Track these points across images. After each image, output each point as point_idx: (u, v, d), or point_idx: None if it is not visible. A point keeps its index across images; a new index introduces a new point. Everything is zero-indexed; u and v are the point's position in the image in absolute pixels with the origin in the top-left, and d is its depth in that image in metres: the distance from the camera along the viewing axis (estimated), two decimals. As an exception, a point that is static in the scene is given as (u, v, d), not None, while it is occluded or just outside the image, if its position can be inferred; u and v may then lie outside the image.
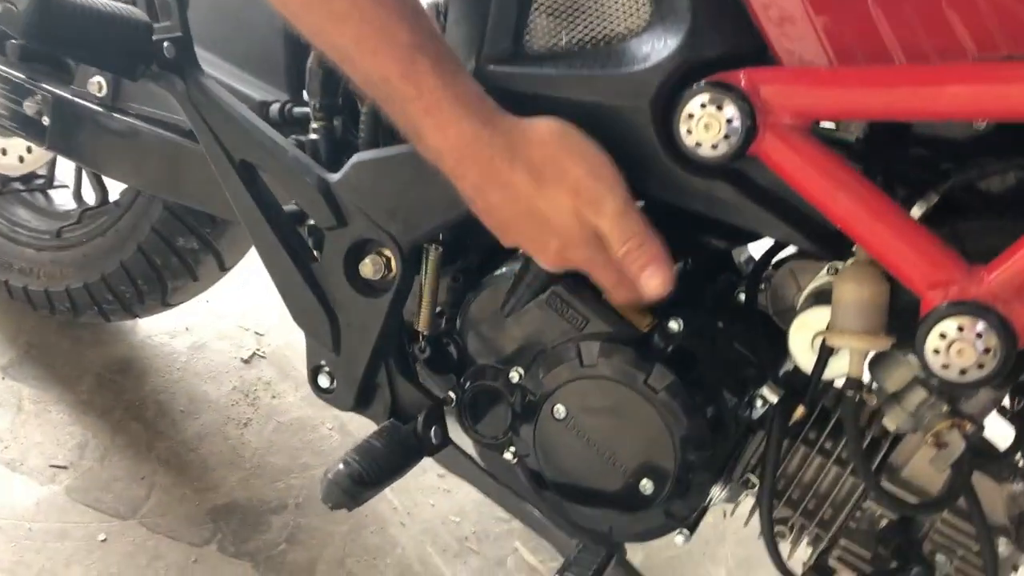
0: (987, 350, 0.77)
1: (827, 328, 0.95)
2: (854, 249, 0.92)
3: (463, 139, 0.84)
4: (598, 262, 0.89)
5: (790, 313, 1.07)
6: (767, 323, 1.14)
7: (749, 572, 1.74)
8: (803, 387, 1.06)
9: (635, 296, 0.91)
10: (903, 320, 0.92)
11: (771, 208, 0.89)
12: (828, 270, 1.04)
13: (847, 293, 0.91)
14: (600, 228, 0.86)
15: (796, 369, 1.18)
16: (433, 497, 1.69)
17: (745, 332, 1.12)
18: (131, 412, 1.64)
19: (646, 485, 1.01)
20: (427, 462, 1.76)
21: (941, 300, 0.79)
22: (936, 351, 0.79)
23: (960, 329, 0.78)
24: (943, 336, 0.78)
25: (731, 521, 1.84)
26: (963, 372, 0.79)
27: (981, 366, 0.78)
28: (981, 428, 1.04)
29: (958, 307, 0.78)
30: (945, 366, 0.79)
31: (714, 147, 0.85)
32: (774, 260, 1.15)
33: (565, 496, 1.06)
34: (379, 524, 1.60)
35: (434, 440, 1.05)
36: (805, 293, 1.08)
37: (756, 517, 1.12)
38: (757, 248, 1.19)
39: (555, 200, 0.85)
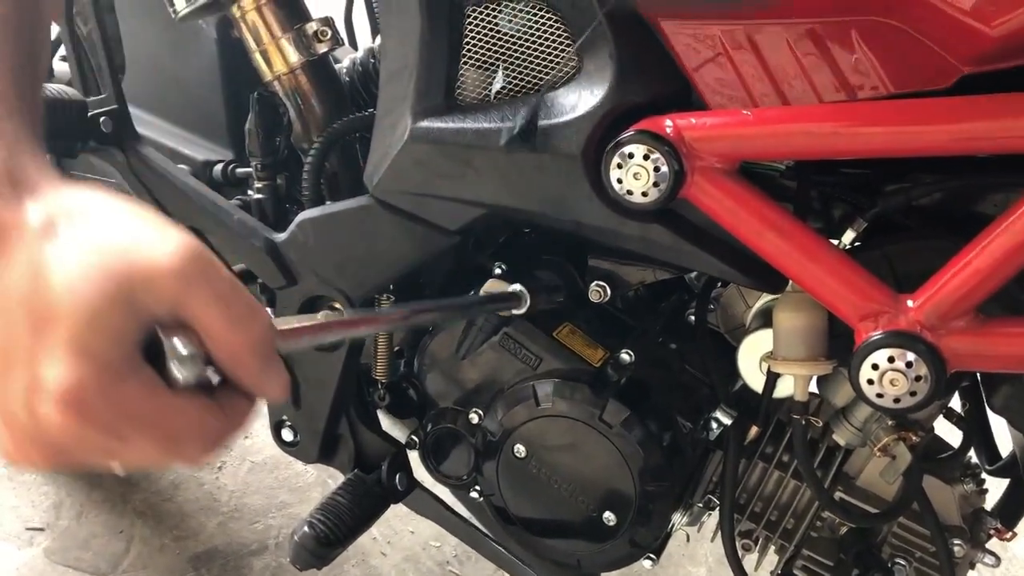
0: (919, 378, 0.79)
1: (771, 356, 0.97)
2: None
3: None
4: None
5: (740, 331, 1.09)
6: (718, 341, 1.16)
7: (727, 570, 1.77)
8: (756, 405, 1.09)
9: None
10: (844, 341, 0.95)
11: (707, 247, 0.91)
12: (773, 289, 1.06)
13: (785, 321, 0.94)
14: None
15: (746, 390, 1.21)
16: (412, 524, 1.70)
17: (697, 353, 1.15)
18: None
19: (609, 517, 1.03)
20: (404, 489, 1.79)
21: (872, 331, 0.82)
22: (870, 381, 0.82)
23: (891, 360, 0.80)
24: (875, 367, 0.81)
25: (709, 520, 1.89)
26: (896, 400, 0.81)
27: (914, 393, 0.80)
28: (929, 433, 1.08)
29: (888, 338, 0.80)
30: (880, 395, 0.82)
31: (644, 194, 0.86)
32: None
33: (532, 531, 1.08)
34: (360, 556, 1.62)
35: (399, 487, 1.07)
36: (752, 312, 1.11)
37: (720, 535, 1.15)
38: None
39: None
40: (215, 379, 0.50)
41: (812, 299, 0.92)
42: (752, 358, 1.06)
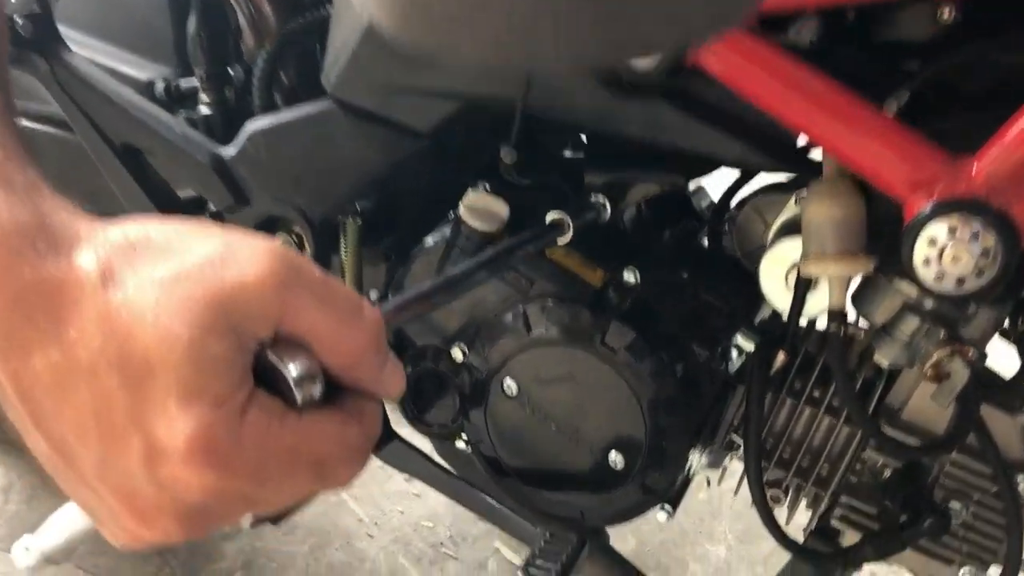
0: (985, 252, 0.66)
1: (801, 258, 0.83)
2: (822, 165, 0.80)
3: None
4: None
5: (759, 253, 0.95)
6: (735, 268, 1.02)
7: (751, 546, 1.63)
8: (782, 334, 0.94)
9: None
10: (885, 238, 0.81)
11: (721, 126, 0.78)
12: (796, 200, 0.92)
13: (818, 213, 0.80)
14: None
15: (773, 316, 1.07)
16: (402, 503, 1.56)
17: (711, 280, 1.00)
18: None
19: (616, 459, 0.89)
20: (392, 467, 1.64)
21: (926, 202, 0.68)
22: (927, 261, 0.68)
23: (952, 231, 0.66)
24: (933, 242, 0.67)
25: (726, 495, 1.74)
26: (960, 282, 0.67)
27: (980, 272, 0.66)
28: (984, 356, 0.93)
29: (947, 206, 0.66)
30: (939, 277, 0.68)
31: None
32: (736, 199, 1.04)
33: (528, 482, 0.94)
34: (344, 539, 1.48)
35: (374, 436, 0.93)
36: (774, 228, 0.97)
37: (746, 484, 1.01)
38: (719, 193, 1.08)
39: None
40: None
41: (848, 186, 0.79)
42: (777, 273, 0.91)
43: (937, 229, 0.66)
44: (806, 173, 0.79)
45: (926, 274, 0.68)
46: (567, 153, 0.99)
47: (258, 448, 0.40)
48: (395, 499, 1.56)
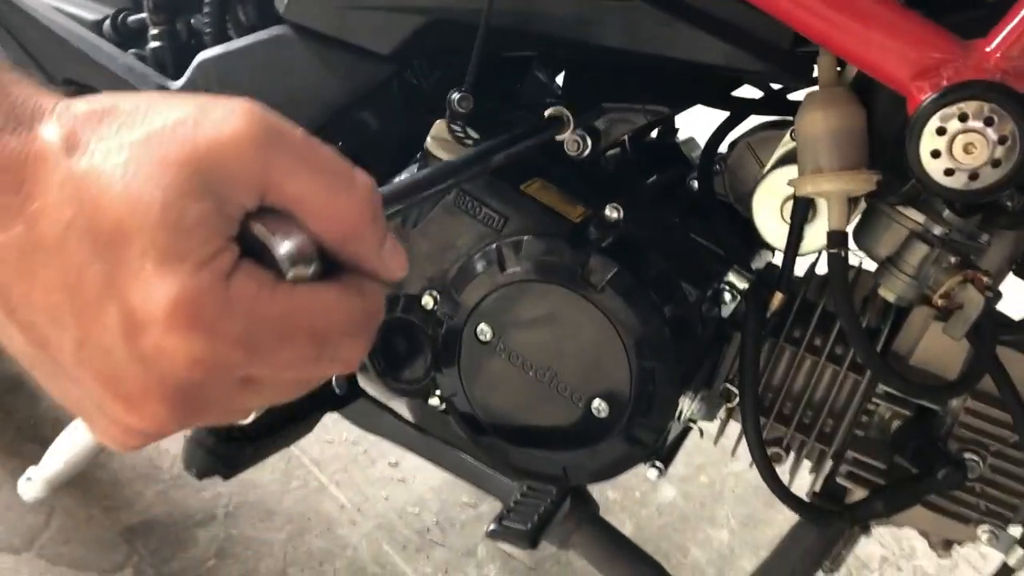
0: (1003, 139, 0.58)
1: (796, 178, 0.76)
2: (816, 72, 0.73)
3: None
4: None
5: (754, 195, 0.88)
6: (728, 212, 0.95)
7: (754, 530, 1.55)
8: (778, 276, 0.87)
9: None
10: (886, 156, 0.74)
11: (707, 27, 0.71)
12: (791, 135, 0.85)
13: (813, 125, 0.73)
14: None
15: (769, 267, 1.00)
16: (386, 489, 1.49)
17: (703, 224, 0.93)
18: (25, 433, 1.43)
19: (599, 406, 0.81)
20: (376, 451, 1.56)
21: (933, 90, 0.60)
22: (935, 154, 0.60)
23: (963, 118, 0.59)
24: (942, 131, 0.60)
25: (728, 478, 1.66)
26: (974, 177, 0.60)
27: (997, 163, 0.59)
28: (998, 294, 0.86)
29: (957, 91, 0.59)
30: (949, 172, 0.60)
31: (621, -53, 0.66)
32: (728, 139, 0.97)
33: (505, 438, 0.86)
34: (325, 525, 1.40)
35: (337, 390, 0.85)
36: (769, 165, 0.90)
37: (744, 445, 0.93)
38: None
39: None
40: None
41: (846, 94, 0.72)
42: (772, 205, 0.85)
43: (946, 117, 0.59)
44: (798, 72, 0.72)
45: (935, 169, 0.61)
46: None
47: (247, 314, 0.36)
48: (379, 484, 1.49)
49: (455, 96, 0.77)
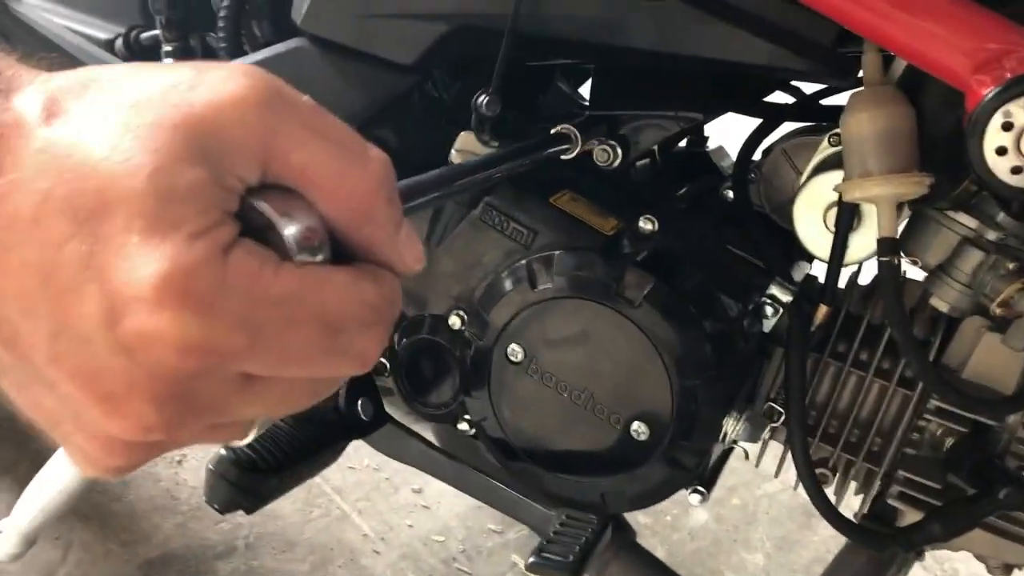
0: (1077, 133, 0.55)
1: (842, 182, 0.72)
2: (862, 70, 0.70)
3: None
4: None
5: (791, 205, 0.85)
6: (765, 222, 0.91)
7: (789, 553, 1.50)
8: (821, 288, 0.83)
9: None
10: (936, 156, 0.70)
11: (742, 23, 0.68)
12: (830, 140, 0.82)
13: (860, 126, 0.69)
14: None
15: (808, 279, 0.96)
16: (410, 516, 1.44)
17: (739, 234, 0.89)
18: (39, 463, 1.39)
19: (639, 429, 0.77)
20: (399, 477, 1.52)
21: (996, 83, 0.57)
22: (1001, 151, 0.56)
23: (1033, 111, 0.55)
24: (1008, 126, 0.56)
25: (762, 500, 1.61)
26: (1045, 174, 0.56)
27: (1070, 160, 0.55)
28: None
29: (1023, 82, 0.55)
30: (1017, 169, 0.56)
31: (654, -59, 0.63)
32: (763, 146, 0.93)
33: (539, 464, 0.82)
34: (348, 556, 1.36)
35: (363, 416, 0.82)
36: (807, 172, 0.86)
37: (786, 469, 0.89)
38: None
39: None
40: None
41: (893, 93, 0.68)
42: (814, 214, 0.81)
43: (1012, 110, 0.55)
44: (842, 70, 0.68)
45: (1001, 167, 0.57)
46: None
47: (248, 291, 0.31)
48: (403, 512, 1.45)
49: (482, 99, 0.74)
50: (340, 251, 0.34)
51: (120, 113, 0.31)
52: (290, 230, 0.32)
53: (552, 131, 0.72)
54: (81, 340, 0.30)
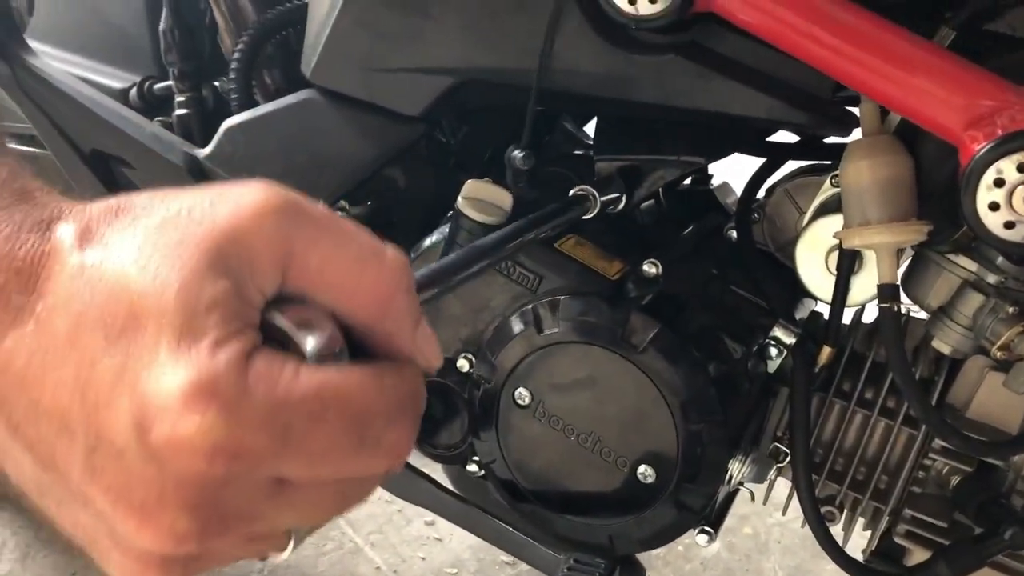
0: (1067, 189, 0.56)
1: (842, 229, 0.73)
2: (860, 120, 0.71)
3: None
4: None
5: (795, 244, 0.86)
6: (768, 262, 0.92)
7: (801, 584, 1.49)
8: (825, 328, 0.84)
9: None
10: (935, 204, 0.71)
11: (742, 78, 0.69)
12: (832, 181, 0.83)
13: (859, 175, 0.70)
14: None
15: (812, 317, 0.96)
16: (422, 549, 1.45)
17: (743, 275, 0.90)
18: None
19: (645, 472, 0.78)
20: (412, 509, 1.53)
21: (988, 139, 0.58)
22: (993, 206, 0.58)
23: (1021, 168, 0.56)
24: (999, 183, 0.57)
25: (774, 529, 1.61)
26: (1037, 229, 0.57)
27: (1062, 215, 0.56)
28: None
29: (1014, 139, 0.56)
30: (1010, 224, 0.58)
31: (652, 1, 0.64)
32: (765, 185, 0.94)
33: (547, 506, 0.83)
34: (362, 589, 1.37)
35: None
36: (809, 212, 0.87)
37: (796, 502, 0.89)
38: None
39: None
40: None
41: (891, 142, 0.69)
42: (816, 257, 0.82)
43: (1004, 167, 0.56)
44: (841, 124, 0.70)
45: (994, 222, 0.58)
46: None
47: (270, 394, 0.32)
48: (415, 545, 1.45)
49: (516, 154, 0.75)
50: (361, 349, 0.35)
51: (148, 233, 0.33)
52: (309, 341, 0.33)
53: (571, 193, 0.73)
54: (115, 454, 0.32)
